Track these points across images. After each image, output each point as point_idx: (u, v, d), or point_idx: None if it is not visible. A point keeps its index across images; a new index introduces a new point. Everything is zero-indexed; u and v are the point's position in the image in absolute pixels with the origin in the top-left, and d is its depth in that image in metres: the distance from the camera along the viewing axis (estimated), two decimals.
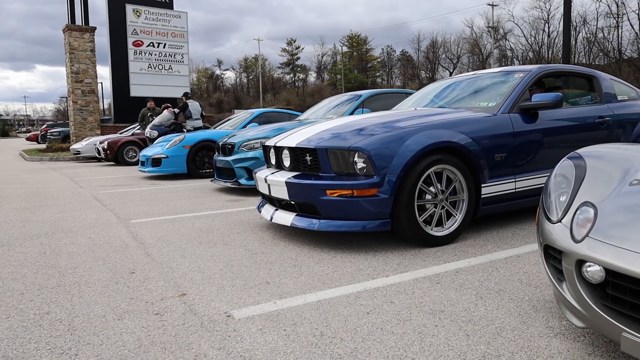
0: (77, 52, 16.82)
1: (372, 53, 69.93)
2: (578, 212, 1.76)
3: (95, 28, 17.30)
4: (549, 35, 47.72)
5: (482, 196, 3.51)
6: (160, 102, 14.61)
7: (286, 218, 3.53)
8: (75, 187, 7.65)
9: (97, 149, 13.26)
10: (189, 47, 19.24)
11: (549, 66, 4.30)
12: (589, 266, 1.59)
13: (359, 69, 69.20)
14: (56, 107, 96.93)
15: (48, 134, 23.89)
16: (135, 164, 12.31)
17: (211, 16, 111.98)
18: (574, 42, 42.17)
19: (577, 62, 41.43)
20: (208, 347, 1.93)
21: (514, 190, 3.68)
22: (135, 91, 17.59)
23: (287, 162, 3.67)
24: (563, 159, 2.20)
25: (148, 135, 10.79)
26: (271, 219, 3.69)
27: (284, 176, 3.52)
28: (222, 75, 78.94)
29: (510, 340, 1.91)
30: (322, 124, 3.97)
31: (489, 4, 48.75)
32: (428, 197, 3.30)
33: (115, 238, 3.87)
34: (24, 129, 78.84)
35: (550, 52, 47.52)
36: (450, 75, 29.42)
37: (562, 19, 16.76)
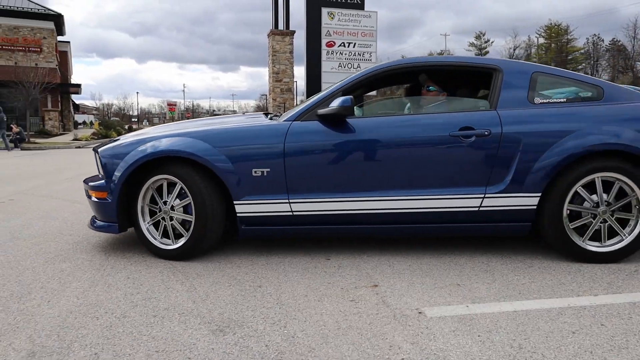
0: (278, 54, 18.62)
1: (574, 44, 62.68)
2: None
3: (294, 32, 18.92)
4: None
5: (240, 215, 3.09)
6: None
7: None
8: None
9: None
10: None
11: (394, 63, 3.42)
12: None
13: (557, 62, 62.59)
14: (257, 104, 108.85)
15: None
16: None
17: (394, 13, 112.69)
18: None
19: None
20: (401, 340, 1.99)
21: (289, 213, 3.08)
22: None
23: None
24: None
25: None
26: None
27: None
28: None
29: None
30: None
31: None
32: (160, 207, 3.19)
33: None
34: None
35: None
36: None
37: None
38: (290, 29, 19.11)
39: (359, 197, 3.05)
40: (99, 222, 3.31)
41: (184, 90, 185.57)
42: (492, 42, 69.67)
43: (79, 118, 50.74)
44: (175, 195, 3.15)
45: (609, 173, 2.94)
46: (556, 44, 63.48)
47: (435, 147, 3.04)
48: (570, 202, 2.98)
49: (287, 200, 3.08)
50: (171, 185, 3.17)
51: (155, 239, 3.19)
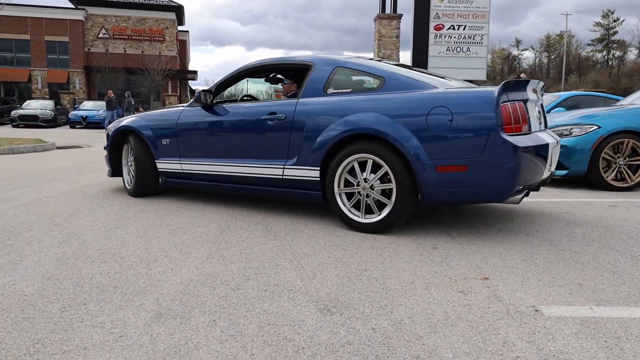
0: (384, 39, 18.39)
1: None
2: None
3: (401, 15, 18.52)
4: None
5: (159, 170, 4.64)
6: None
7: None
8: None
9: None
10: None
11: (249, 65, 4.33)
12: None
13: None
14: None
15: None
16: None
17: None
18: None
19: None
20: (516, 337, 1.88)
21: (181, 170, 4.45)
22: None
23: None
24: None
25: None
26: None
27: None
28: (520, 56, 74.05)
29: None
30: None
31: None
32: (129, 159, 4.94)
33: (414, 212, 4.10)
34: None
35: None
36: None
37: None
38: (397, 12, 18.73)
39: (214, 162, 4.17)
40: (108, 170, 5.18)
41: None
42: (622, 21, 62.59)
43: None
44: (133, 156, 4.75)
45: (366, 155, 3.33)
46: None
47: (254, 127, 3.91)
48: (348, 174, 3.44)
49: (179, 162, 4.44)
50: None
51: (126, 181, 4.94)
